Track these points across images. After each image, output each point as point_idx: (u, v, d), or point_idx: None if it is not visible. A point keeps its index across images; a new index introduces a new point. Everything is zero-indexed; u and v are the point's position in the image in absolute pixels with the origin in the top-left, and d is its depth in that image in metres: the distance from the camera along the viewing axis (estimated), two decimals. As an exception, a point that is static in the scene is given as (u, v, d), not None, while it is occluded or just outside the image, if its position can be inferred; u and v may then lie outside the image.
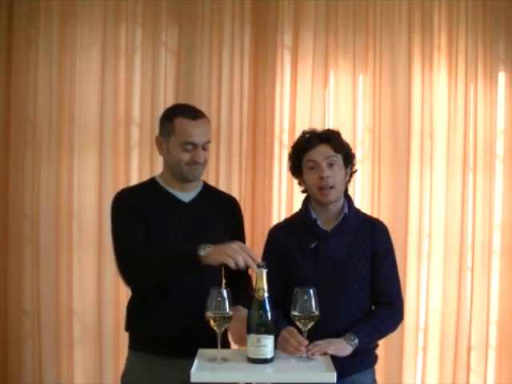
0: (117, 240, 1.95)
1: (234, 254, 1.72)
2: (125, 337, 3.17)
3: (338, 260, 2.03)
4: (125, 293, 3.18)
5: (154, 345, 1.94)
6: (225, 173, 3.25)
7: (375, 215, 3.31)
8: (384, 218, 3.26)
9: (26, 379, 3.22)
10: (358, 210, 2.17)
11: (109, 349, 3.21)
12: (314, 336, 1.82)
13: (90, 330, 3.26)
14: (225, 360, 1.69)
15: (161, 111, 3.20)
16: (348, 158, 2.08)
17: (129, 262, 1.88)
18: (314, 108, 3.32)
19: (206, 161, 2.00)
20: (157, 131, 3.23)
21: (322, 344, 1.83)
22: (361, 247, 2.05)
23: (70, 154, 3.24)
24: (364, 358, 2.04)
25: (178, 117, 1.96)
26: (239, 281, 1.98)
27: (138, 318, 2.00)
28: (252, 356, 1.69)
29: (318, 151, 2.03)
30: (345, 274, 2.02)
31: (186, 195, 2.01)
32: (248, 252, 1.76)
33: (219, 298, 1.68)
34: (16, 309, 3.23)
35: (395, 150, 3.32)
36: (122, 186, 3.20)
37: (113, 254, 1.98)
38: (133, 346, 2.03)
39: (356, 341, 1.90)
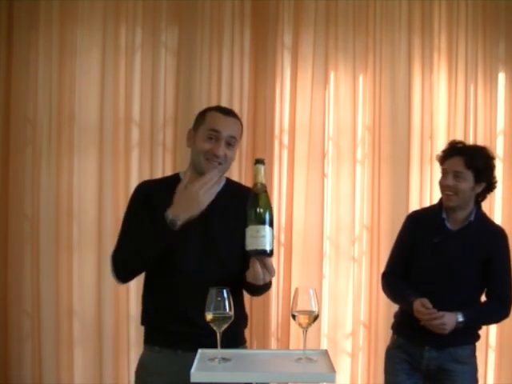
0: (118, 238, 1.97)
1: (200, 198, 1.78)
2: (124, 337, 3.22)
3: (454, 258, 2.33)
4: (124, 293, 3.19)
5: (169, 339, 1.94)
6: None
7: (375, 215, 3.33)
8: (383, 217, 3.28)
9: (26, 379, 3.22)
10: (485, 218, 2.46)
11: (109, 349, 3.22)
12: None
13: (89, 330, 3.26)
14: (225, 360, 1.69)
15: (161, 111, 3.27)
16: (479, 175, 2.32)
17: (116, 257, 1.92)
18: (314, 108, 3.33)
19: (227, 159, 1.93)
20: (156, 131, 3.28)
21: (435, 322, 2.22)
22: (476, 249, 2.34)
23: (69, 154, 3.25)
24: (463, 334, 2.30)
25: (212, 110, 1.99)
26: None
27: (152, 313, 2.00)
28: (251, 248, 1.71)
29: (451, 162, 2.35)
30: (456, 270, 2.33)
31: None
32: (204, 183, 1.79)
33: (219, 298, 1.67)
34: (16, 309, 3.24)
35: (395, 150, 3.33)
36: (121, 185, 3.23)
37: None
38: (148, 340, 2.02)
39: (462, 319, 2.24)
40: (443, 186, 2.37)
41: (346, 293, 3.38)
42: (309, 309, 1.73)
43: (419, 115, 3.36)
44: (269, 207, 1.74)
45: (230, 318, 1.69)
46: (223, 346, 1.73)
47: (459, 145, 2.41)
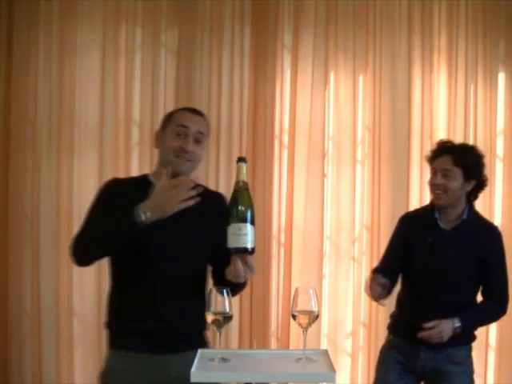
0: (81, 226, 1.94)
1: (176, 199, 1.75)
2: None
3: (449, 257, 2.32)
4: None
5: (136, 341, 1.93)
6: (225, 173, 3.25)
7: (375, 215, 3.33)
8: (383, 217, 3.28)
9: (26, 379, 3.22)
10: (478, 216, 2.44)
11: (109, 349, 3.21)
12: (420, 316, 2.25)
13: (89, 330, 3.26)
14: (225, 360, 1.69)
15: (161, 111, 3.27)
16: (468, 173, 2.31)
17: (78, 240, 1.90)
18: (314, 108, 3.33)
19: (196, 156, 1.95)
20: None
21: (433, 332, 2.22)
22: (470, 247, 2.34)
23: (70, 154, 3.25)
24: (459, 335, 2.27)
25: (179, 110, 2.03)
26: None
27: (118, 315, 2.00)
28: (232, 245, 1.71)
29: (440, 161, 2.35)
30: (452, 269, 2.32)
31: None
32: (180, 186, 1.77)
33: (219, 298, 1.68)
34: (16, 309, 3.24)
35: (395, 150, 3.33)
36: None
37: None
38: (114, 344, 2.02)
39: (459, 324, 2.24)
40: (433, 184, 2.36)
41: (345, 293, 3.38)
42: (309, 309, 1.73)
43: (419, 115, 3.36)
44: (251, 205, 1.75)
45: (230, 317, 1.69)
46: (180, 349, 1.83)
47: (447, 144, 2.40)
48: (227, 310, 1.68)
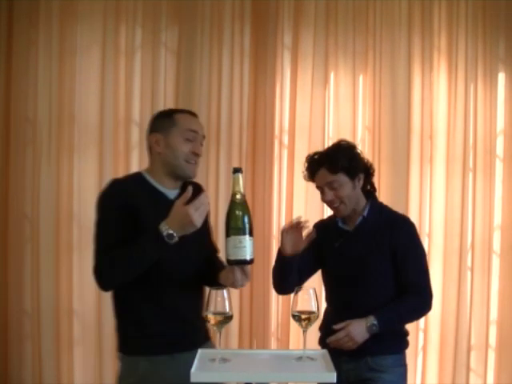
0: (103, 245, 1.91)
1: (194, 221, 1.76)
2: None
3: (357, 257, 2.21)
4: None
5: (162, 344, 1.93)
6: (225, 173, 3.25)
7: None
8: (384, 218, 3.27)
9: (26, 379, 3.22)
10: (383, 210, 2.30)
11: (109, 349, 3.21)
12: (333, 323, 2.13)
13: (89, 330, 3.26)
14: (225, 360, 1.69)
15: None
16: (350, 172, 2.19)
17: (105, 268, 1.87)
18: (314, 108, 3.33)
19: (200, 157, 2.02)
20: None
21: (340, 334, 2.09)
22: (378, 245, 2.19)
23: (69, 153, 3.25)
24: (380, 344, 2.12)
25: (178, 113, 2.02)
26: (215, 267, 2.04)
27: (136, 321, 1.96)
28: (232, 258, 1.75)
29: (319, 177, 2.23)
30: (361, 269, 2.20)
31: (172, 192, 1.99)
32: (201, 202, 1.78)
33: (219, 298, 1.68)
34: (16, 309, 3.24)
35: (395, 150, 3.33)
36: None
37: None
38: (142, 350, 1.95)
39: (375, 322, 2.07)
40: (326, 202, 2.25)
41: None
42: (309, 309, 1.74)
43: (419, 115, 3.36)
44: (248, 216, 1.77)
45: (230, 317, 1.69)
46: (201, 342, 1.94)
47: (315, 157, 2.26)
48: (227, 309, 1.68)
